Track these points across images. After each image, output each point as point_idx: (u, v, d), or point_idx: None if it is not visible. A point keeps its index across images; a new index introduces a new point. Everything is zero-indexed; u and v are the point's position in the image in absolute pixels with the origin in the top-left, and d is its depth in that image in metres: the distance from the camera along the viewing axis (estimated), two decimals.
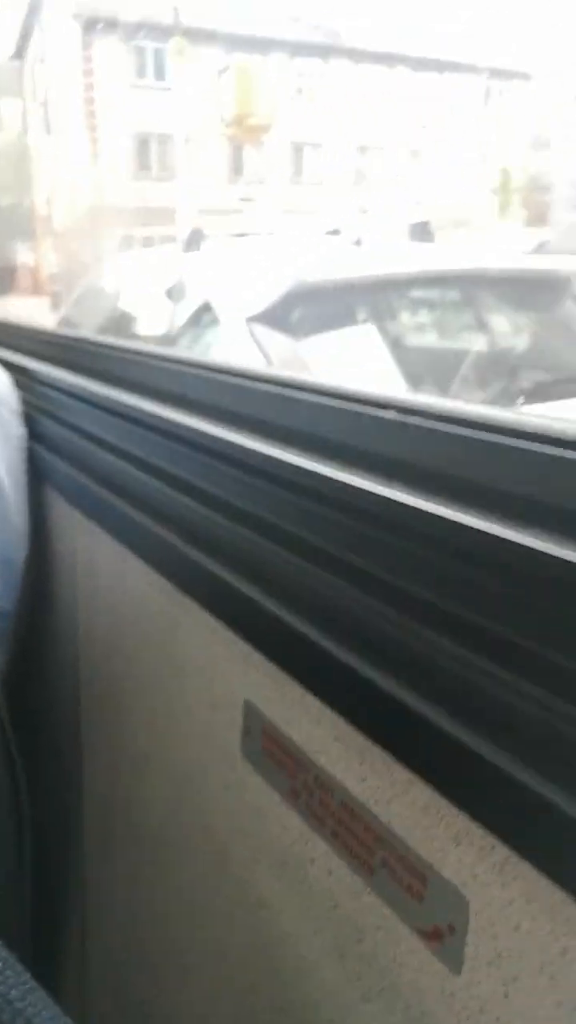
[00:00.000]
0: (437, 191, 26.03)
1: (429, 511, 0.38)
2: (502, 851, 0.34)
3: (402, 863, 0.40)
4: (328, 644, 0.43)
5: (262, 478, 0.51)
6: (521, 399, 2.19)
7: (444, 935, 0.38)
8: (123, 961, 0.81)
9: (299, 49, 23.87)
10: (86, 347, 0.95)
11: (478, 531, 0.35)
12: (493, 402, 2.27)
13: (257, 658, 0.50)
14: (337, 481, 0.45)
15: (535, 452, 0.36)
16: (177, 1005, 0.68)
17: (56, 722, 0.92)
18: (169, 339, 2.61)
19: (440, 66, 25.53)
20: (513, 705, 0.33)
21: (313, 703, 0.45)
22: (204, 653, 0.59)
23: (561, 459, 0.35)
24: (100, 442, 0.75)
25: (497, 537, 0.34)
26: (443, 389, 2.42)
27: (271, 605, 0.48)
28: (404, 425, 0.44)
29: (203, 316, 2.46)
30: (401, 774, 0.39)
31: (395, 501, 0.40)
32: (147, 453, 0.66)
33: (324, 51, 24.27)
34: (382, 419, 0.46)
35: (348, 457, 0.47)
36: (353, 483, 0.44)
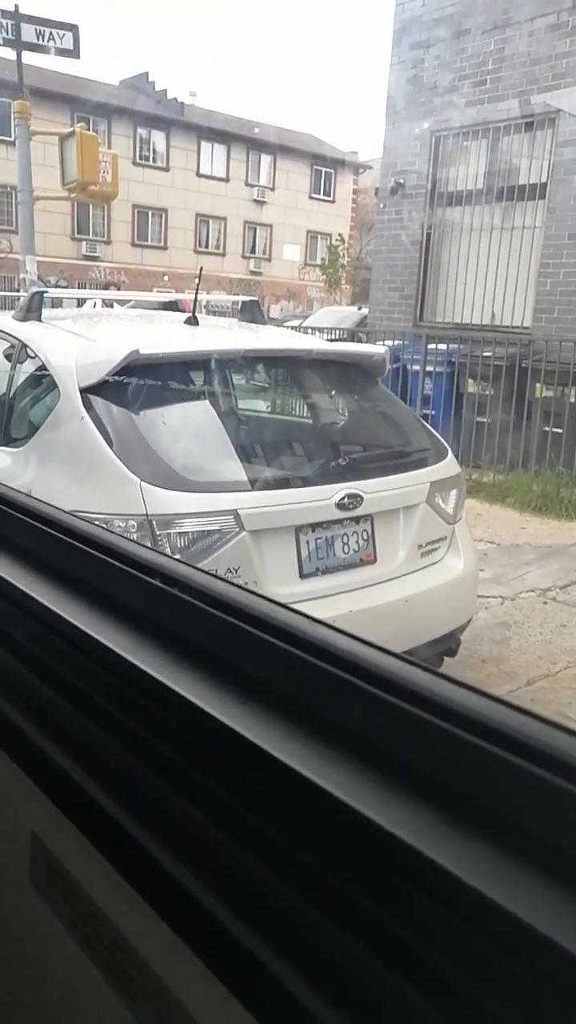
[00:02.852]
0: (271, 262, 27.20)
1: (175, 688, 0.45)
2: (222, 990, 0.41)
3: (159, 995, 0.45)
4: (103, 798, 0.48)
5: (51, 630, 0.57)
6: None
7: None
8: None
9: (143, 119, 24.43)
10: None
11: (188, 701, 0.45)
12: (319, 473, 2.45)
13: (42, 797, 0.54)
14: (114, 651, 0.51)
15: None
16: None
17: None
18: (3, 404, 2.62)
19: (275, 149, 27.02)
20: (250, 880, 0.41)
21: (88, 845, 0.49)
22: None
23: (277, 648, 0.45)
24: None
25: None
26: (271, 460, 2.60)
27: (56, 754, 0.53)
28: (166, 593, 0.51)
29: (42, 380, 2.48)
30: (151, 916, 0.44)
31: (156, 679, 0.47)
32: None
33: (167, 123, 25.03)
34: (150, 584, 0.53)
35: (120, 614, 0.54)
36: (123, 652, 0.50)
